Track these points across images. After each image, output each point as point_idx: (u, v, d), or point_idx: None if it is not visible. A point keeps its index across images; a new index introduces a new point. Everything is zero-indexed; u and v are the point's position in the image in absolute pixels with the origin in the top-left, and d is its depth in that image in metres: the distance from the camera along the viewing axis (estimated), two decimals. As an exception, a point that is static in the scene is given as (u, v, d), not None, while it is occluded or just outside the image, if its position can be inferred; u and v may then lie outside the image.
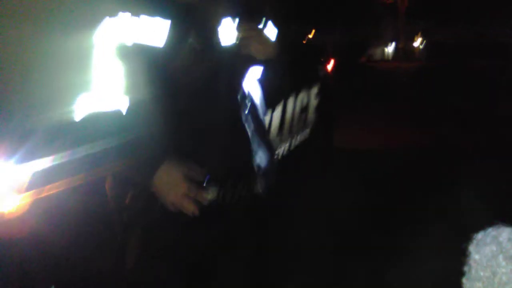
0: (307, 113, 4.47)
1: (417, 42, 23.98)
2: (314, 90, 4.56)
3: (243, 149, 1.44)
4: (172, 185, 1.31)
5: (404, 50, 23.26)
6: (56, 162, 1.54)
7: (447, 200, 3.15)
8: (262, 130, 1.50)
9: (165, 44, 1.32)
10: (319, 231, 2.87)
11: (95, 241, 1.57)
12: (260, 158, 1.48)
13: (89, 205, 1.54)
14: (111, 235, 1.46)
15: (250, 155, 1.45)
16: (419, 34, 23.47)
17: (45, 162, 1.54)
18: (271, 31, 1.48)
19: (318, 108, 4.73)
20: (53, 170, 1.54)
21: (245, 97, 1.45)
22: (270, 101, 1.58)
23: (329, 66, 5.74)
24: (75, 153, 1.50)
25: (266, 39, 1.43)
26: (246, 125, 1.44)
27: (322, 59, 5.27)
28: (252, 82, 1.48)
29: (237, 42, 1.39)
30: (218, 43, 1.40)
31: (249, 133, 1.45)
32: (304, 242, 2.73)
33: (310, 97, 4.50)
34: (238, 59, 1.41)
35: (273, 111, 3.52)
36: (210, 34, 1.39)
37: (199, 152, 1.37)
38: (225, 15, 1.40)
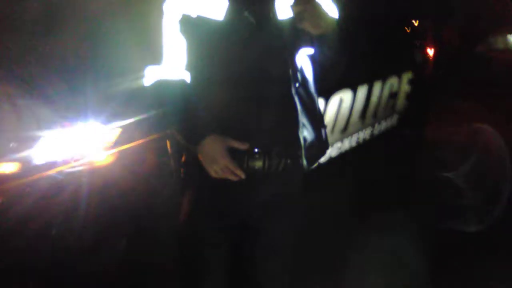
0: (396, 99, 4.35)
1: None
2: (407, 76, 4.41)
3: (291, 121, 1.51)
4: (213, 158, 1.41)
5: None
6: (133, 123, 1.79)
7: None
8: (311, 105, 1.56)
9: (223, 18, 1.43)
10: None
11: (160, 191, 1.80)
12: (308, 131, 1.55)
13: (156, 160, 1.77)
14: (170, 188, 1.68)
15: (297, 127, 1.53)
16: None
17: (124, 123, 1.80)
18: (330, 7, 1.48)
19: (410, 95, 4.57)
20: (130, 130, 1.80)
21: (297, 71, 1.50)
22: (325, 78, 1.62)
23: (431, 52, 5.43)
24: (146, 116, 1.74)
25: (322, 14, 1.41)
26: (296, 99, 1.52)
27: (420, 44, 5.03)
28: (305, 56, 1.53)
29: (293, 16, 1.42)
30: (274, 16, 1.46)
31: (298, 107, 1.53)
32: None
33: (401, 82, 4.36)
34: (293, 33, 1.44)
35: (355, 93, 3.52)
36: (266, 8, 1.45)
37: (249, 121, 1.47)
38: None
